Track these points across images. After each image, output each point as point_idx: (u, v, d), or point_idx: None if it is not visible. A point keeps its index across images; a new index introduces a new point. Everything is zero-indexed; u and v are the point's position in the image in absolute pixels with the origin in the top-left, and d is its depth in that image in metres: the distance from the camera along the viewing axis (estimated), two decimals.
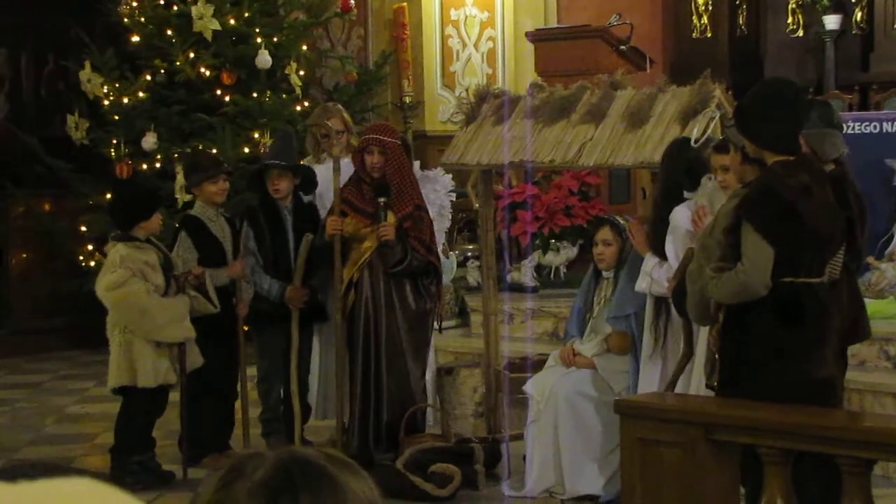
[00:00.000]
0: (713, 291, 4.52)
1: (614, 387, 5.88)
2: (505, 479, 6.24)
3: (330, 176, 6.51)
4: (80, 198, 10.04)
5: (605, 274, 6.14)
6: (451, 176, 7.23)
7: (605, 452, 5.84)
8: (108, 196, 8.80)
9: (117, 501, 1.24)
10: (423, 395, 6.58)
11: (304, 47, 10.23)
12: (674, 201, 5.40)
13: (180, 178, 8.66)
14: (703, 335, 5.10)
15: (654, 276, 5.47)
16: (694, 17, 12.89)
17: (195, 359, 6.35)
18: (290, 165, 6.70)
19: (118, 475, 6.17)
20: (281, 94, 9.75)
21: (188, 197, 7.63)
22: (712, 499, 4.23)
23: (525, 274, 8.64)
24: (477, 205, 7.57)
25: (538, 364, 6.41)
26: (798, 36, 12.26)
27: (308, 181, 6.83)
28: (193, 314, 6.30)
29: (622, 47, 8.88)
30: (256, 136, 9.32)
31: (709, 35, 12.84)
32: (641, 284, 5.55)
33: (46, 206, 10.62)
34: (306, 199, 6.86)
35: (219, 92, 9.54)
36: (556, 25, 10.78)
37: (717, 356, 4.76)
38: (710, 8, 12.80)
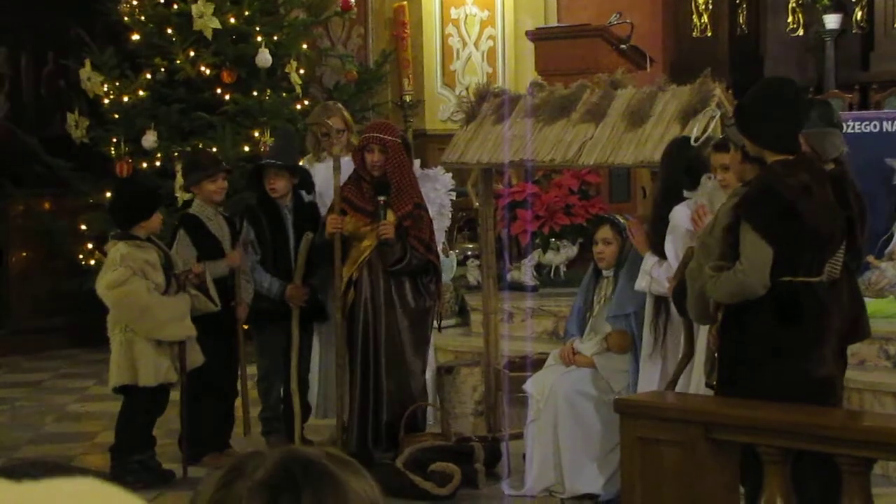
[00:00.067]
0: (712, 291, 4.52)
1: (614, 386, 5.88)
2: (505, 478, 6.24)
3: (330, 174, 6.52)
4: (80, 197, 10.04)
5: (605, 273, 6.14)
6: (451, 175, 7.23)
7: (604, 451, 5.84)
8: (109, 195, 8.81)
9: (121, 501, 1.24)
10: (423, 393, 6.58)
11: (305, 46, 10.22)
12: (673, 200, 5.40)
13: (180, 177, 8.66)
14: (703, 334, 5.10)
15: (653, 275, 5.47)
16: (694, 17, 12.90)
17: (196, 357, 6.35)
18: (285, 165, 6.69)
19: (118, 474, 6.17)
20: (281, 93, 9.75)
21: (188, 196, 7.63)
22: (712, 498, 4.23)
23: (525, 273, 8.64)
24: (477, 203, 7.57)
25: (538, 363, 6.41)
26: (798, 35, 12.26)
27: (304, 181, 6.83)
28: (194, 313, 6.30)
29: (622, 46, 8.88)
30: (256, 134, 9.31)
31: (709, 34, 12.84)
32: (641, 283, 5.55)
33: (46, 205, 10.62)
34: (307, 198, 6.86)
35: (219, 90, 9.54)
36: (556, 24, 10.78)
37: (716, 355, 4.77)
38: (711, 7, 12.81)
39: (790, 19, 12.30)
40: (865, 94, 11.64)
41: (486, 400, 6.65)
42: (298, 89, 9.74)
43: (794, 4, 12.23)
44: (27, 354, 10.19)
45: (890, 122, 7.91)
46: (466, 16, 11.70)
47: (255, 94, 9.56)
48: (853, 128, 7.72)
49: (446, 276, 7.80)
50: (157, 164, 9.45)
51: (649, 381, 5.61)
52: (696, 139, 5.43)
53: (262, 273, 6.74)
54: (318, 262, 6.60)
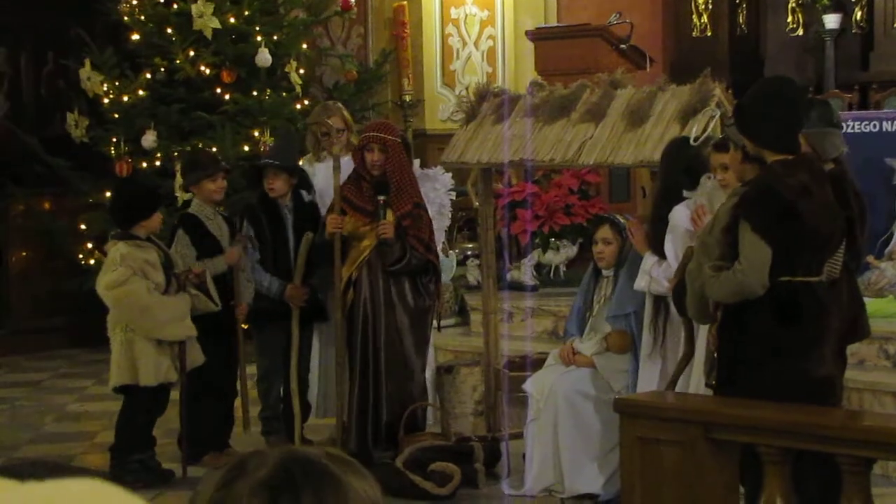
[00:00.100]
0: (711, 290, 4.52)
1: (614, 385, 5.88)
2: (504, 478, 6.24)
3: (330, 174, 6.52)
4: (80, 196, 10.04)
5: (604, 273, 6.14)
6: (450, 174, 7.22)
7: (604, 451, 5.84)
8: (109, 195, 8.80)
9: (125, 502, 1.24)
10: (423, 393, 6.59)
11: (304, 46, 10.22)
12: (673, 200, 5.40)
13: (180, 177, 8.66)
14: (702, 334, 5.11)
15: (653, 275, 5.47)
16: (694, 16, 12.90)
17: (196, 357, 6.36)
18: (283, 166, 6.69)
19: (118, 473, 6.17)
20: (281, 93, 9.75)
21: (188, 195, 7.63)
22: (712, 498, 4.23)
23: (525, 272, 8.64)
24: (477, 203, 7.57)
25: (538, 363, 6.41)
26: (798, 35, 12.26)
27: (303, 181, 6.83)
28: (194, 312, 6.30)
29: (622, 46, 8.88)
30: (256, 134, 9.32)
31: (709, 34, 12.84)
32: (640, 283, 5.55)
33: (46, 205, 10.62)
34: (307, 198, 6.86)
35: (219, 90, 9.54)
36: (556, 24, 10.78)
37: (715, 355, 4.77)
38: (710, 7, 12.81)
39: (790, 19, 12.30)
40: (865, 94, 11.65)
41: (486, 400, 6.65)
42: (298, 89, 9.74)
43: (793, 4, 12.24)
44: (27, 354, 10.19)
45: (890, 122, 7.91)
46: (466, 15, 11.71)
47: (254, 93, 9.56)
48: (853, 128, 7.72)
49: (446, 276, 7.80)
50: (157, 163, 9.45)
51: (649, 380, 5.61)
52: (696, 139, 5.43)
53: (262, 272, 6.74)
54: (318, 262, 6.60)
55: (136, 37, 9.77)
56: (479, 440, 6.35)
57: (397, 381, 6.43)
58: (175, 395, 6.49)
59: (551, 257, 8.78)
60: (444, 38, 11.66)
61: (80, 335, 9.98)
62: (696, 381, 5.20)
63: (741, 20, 12.73)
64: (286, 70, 9.73)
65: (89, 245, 9.73)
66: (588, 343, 6.05)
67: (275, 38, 9.73)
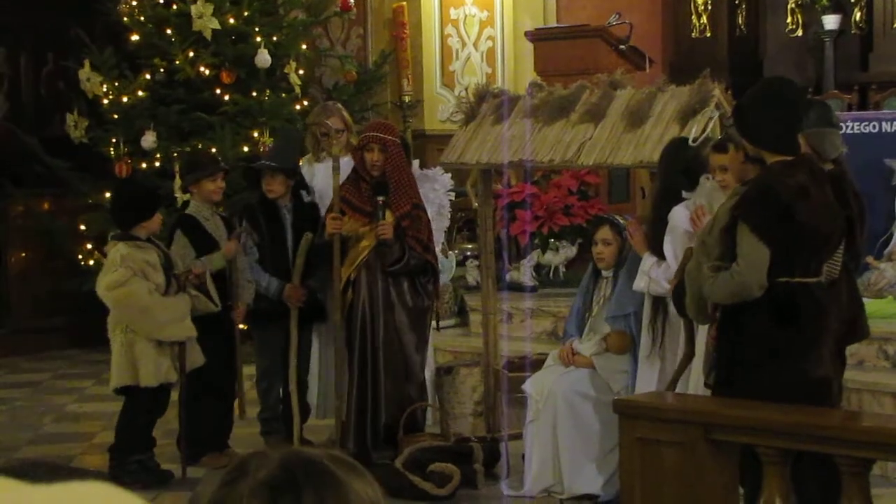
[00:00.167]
0: (709, 291, 4.52)
1: (613, 386, 5.88)
2: (504, 479, 6.24)
3: (329, 175, 6.52)
4: (80, 197, 10.04)
5: (604, 273, 6.14)
6: (450, 175, 7.23)
7: (604, 452, 5.84)
8: (108, 195, 8.80)
9: None
10: (422, 394, 6.59)
11: (304, 46, 10.23)
12: (672, 201, 5.40)
13: (179, 177, 8.66)
14: (702, 335, 5.11)
15: (652, 276, 5.47)
16: (693, 17, 12.91)
17: (196, 358, 6.36)
18: (279, 167, 6.69)
19: (117, 474, 6.17)
20: (280, 94, 9.75)
21: (187, 196, 7.63)
22: (711, 498, 4.23)
23: (524, 273, 8.64)
24: (476, 204, 7.58)
25: (537, 363, 6.42)
26: (797, 36, 12.27)
27: (301, 182, 6.83)
28: (194, 313, 6.30)
29: (621, 47, 8.89)
30: (256, 135, 9.32)
31: (708, 35, 12.85)
32: (639, 284, 5.55)
33: (46, 206, 10.62)
34: (307, 198, 6.86)
35: (218, 91, 9.54)
36: (555, 25, 10.79)
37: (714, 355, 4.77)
38: (710, 8, 12.81)
39: (789, 20, 12.31)
40: (864, 94, 11.65)
41: (486, 400, 6.65)
42: (298, 90, 9.74)
43: (793, 5, 12.24)
44: (26, 355, 10.19)
45: (889, 123, 7.92)
46: (466, 16, 11.71)
47: (254, 94, 9.56)
48: (852, 128, 7.72)
49: (445, 277, 7.80)
50: (157, 164, 9.45)
51: (648, 381, 5.61)
52: (695, 140, 5.43)
53: (261, 272, 6.75)
54: (318, 263, 6.60)
55: (135, 37, 9.77)
56: (478, 441, 6.35)
57: (396, 382, 6.43)
58: (174, 395, 6.49)
59: (550, 258, 8.79)
60: (443, 38, 11.66)
61: (80, 336, 9.98)
62: (695, 382, 5.20)
63: (740, 21, 12.74)
64: (285, 71, 9.73)
65: (89, 245, 9.73)
66: (587, 344, 6.05)
67: (274, 38, 9.73)
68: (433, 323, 6.99)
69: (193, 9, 9.33)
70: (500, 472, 6.32)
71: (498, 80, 11.45)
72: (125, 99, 9.67)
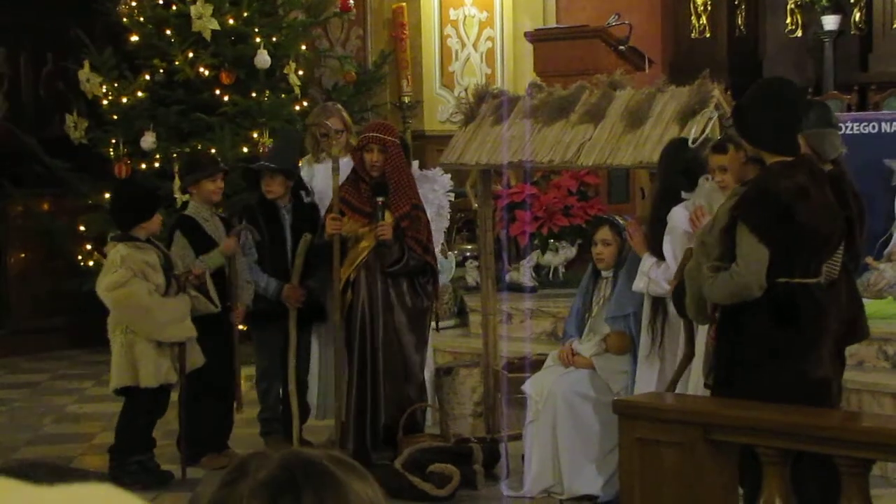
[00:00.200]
0: (709, 291, 4.52)
1: (613, 387, 5.88)
2: (503, 479, 6.24)
3: (329, 175, 6.52)
4: (79, 197, 10.04)
5: (604, 274, 6.15)
6: (449, 176, 7.23)
7: (603, 452, 5.84)
8: (108, 196, 8.80)
9: None
10: (422, 394, 6.58)
11: (303, 47, 10.23)
12: (671, 201, 5.40)
13: (178, 178, 8.65)
14: (702, 335, 5.11)
15: (651, 277, 5.48)
16: (693, 18, 12.90)
17: (196, 358, 6.36)
18: (276, 168, 6.69)
19: (117, 475, 6.17)
20: (280, 94, 9.75)
21: (186, 197, 7.63)
22: (711, 499, 4.23)
23: (524, 274, 8.64)
24: (476, 205, 7.58)
25: (537, 364, 6.42)
26: (797, 36, 12.26)
27: (300, 183, 6.83)
28: (194, 314, 6.30)
29: (621, 47, 8.88)
30: (255, 135, 9.32)
31: (708, 35, 12.84)
32: (639, 284, 5.56)
33: (45, 206, 10.62)
34: (307, 199, 6.86)
35: (217, 92, 9.54)
36: (554, 25, 10.78)
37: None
38: (709, 8, 12.81)
39: (789, 20, 12.31)
40: (864, 95, 11.64)
41: (485, 401, 6.65)
42: (297, 90, 9.74)
43: (792, 6, 12.24)
44: (26, 355, 10.19)
45: (888, 123, 7.92)
46: (465, 17, 11.70)
47: (253, 95, 9.56)
48: (852, 129, 7.72)
49: (445, 278, 7.80)
50: (156, 165, 9.45)
51: (647, 382, 5.61)
52: (695, 140, 5.43)
53: (259, 273, 6.75)
54: (318, 263, 6.60)
55: (135, 38, 9.77)
56: (478, 441, 6.35)
57: (395, 383, 6.43)
58: (174, 396, 6.49)
59: (550, 258, 8.79)
60: (442, 39, 11.66)
61: (80, 336, 9.99)
62: (695, 383, 5.20)
63: (740, 21, 12.73)
64: (285, 71, 9.73)
65: (88, 246, 9.73)
66: (587, 344, 6.05)
67: (274, 39, 9.73)
68: (433, 323, 6.99)
69: (193, 9, 9.33)
70: (499, 472, 6.32)
71: (497, 80, 11.44)
72: (125, 99, 9.67)
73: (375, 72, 10.93)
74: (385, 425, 6.40)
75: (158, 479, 6.34)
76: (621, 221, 6.12)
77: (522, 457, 6.14)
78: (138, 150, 9.43)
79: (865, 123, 7.95)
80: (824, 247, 4.52)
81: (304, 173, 6.98)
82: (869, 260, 7.16)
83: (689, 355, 5.23)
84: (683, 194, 5.39)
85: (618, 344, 5.92)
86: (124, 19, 9.76)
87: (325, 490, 1.33)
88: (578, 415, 5.92)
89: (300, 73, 9.84)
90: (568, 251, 8.75)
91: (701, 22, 12.87)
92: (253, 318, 6.83)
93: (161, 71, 9.61)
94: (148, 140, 9.33)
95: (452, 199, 7.28)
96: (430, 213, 6.67)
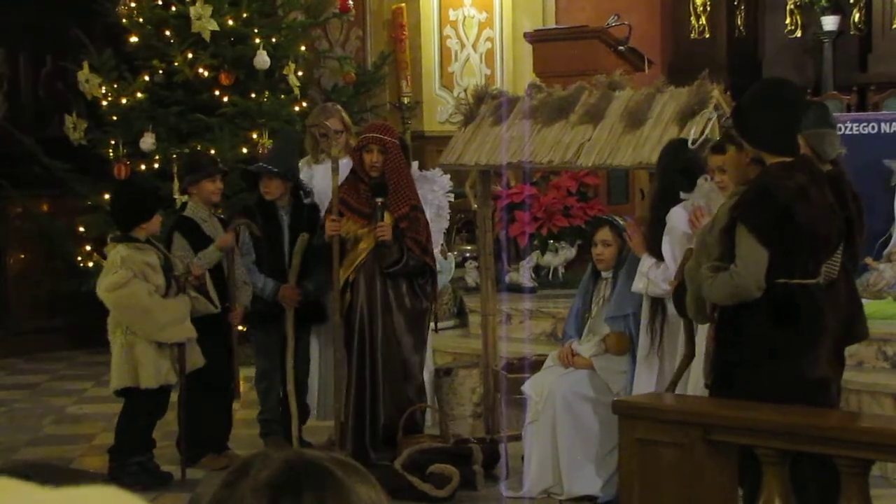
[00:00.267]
0: (708, 292, 4.52)
1: (612, 387, 5.88)
2: (503, 480, 6.24)
3: (328, 176, 6.52)
4: (79, 198, 10.03)
5: (603, 274, 6.15)
6: (449, 176, 7.23)
7: (603, 453, 5.84)
8: (107, 197, 8.80)
9: None
10: (421, 395, 6.58)
11: (303, 48, 10.23)
12: (670, 202, 5.40)
13: (178, 179, 8.65)
14: (702, 335, 5.11)
15: (650, 277, 5.48)
16: (692, 18, 12.89)
17: (196, 359, 6.36)
18: (274, 170, 6.68)
19: (116, 476, 6.17)
20: (279, 95, 9.74)
21: (185, 198, 7.63)
22: (710, 499, 4.23)
23: (523, 274, 8.64)
24: (475, 205, 7.57)
25: (536, 364, 6.42)
26: (796, 37, 12.25)
27: (298, 184, 6.84)
28: (194, 314, 6.31)
29: (620, 48, 8.89)
30: (255, 136, 9.31)
31: (707, 36, 12.83)
32: (638, 285, 5.56)
33: (44, 207, 10.62)
34: (307, 200, 6.86)
35: (217, 92, 9.53)
36: (554, 26, 10.78)
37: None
38: (709, 9, 12.80)
39: (788, 21, 12.30)
40: (863, 95, 11.63)
41: (485, 401, 6.65)
42: (297, 91, 9.74)
43: (792, 6, 12.23)
44: (26, 356, 10.19)
45: (888, 124, 7.92)
46: (465, 17, 11.70)
47: (253, 95, 9.56)
48: (851, 129, 7.72)
49: (445, 278, 7.80)
50: (156, 166, 9.45)
51: (646, 382, 5.61)
52: (694, 141, 5.43)
53: (257, 273, 6.75)
54: (316, 264, 6.61)
55: (134, 39, 9.76)
56: (477, 442, 6.35)
57: (395, 383, 6.43)
58: (174, 396, 6.49)
59: (550, 259, 8.79)
60: (442, 39, 11.66)
61: (79, 337, 9.98)
62: (694, 383, 5.20)
63: (739, 22, 12.72)
64: (284, 72, 9.73)
65: (88, 247, 9.73)
66: (587, 345, 6.05)
67: (273, 40, 9.73)
68: (432, 324, 6.99)
69: (192, 10, 9.33)
70: (499, 473, 6.33)
71: (497, 81, 11.43)
72: (124, 100, 9.66)
73: (375, 72, 10.93)
74: (384, 426, 6.40)
75: (158, 480, 6.34)
76: (621, 222, 6.12)
77: (522, 457, 6.14)
78: (138, 151, 9.42)
79: (865, 124, 7.95)
80: (823, 247, 4.52)
81: (303, 174, 6.98)
82: (868, 260, 7.16)
83: (690, 355, 5.23)
84: (682, 195, 5.39)
85: (617, 344, 5.92)
86: (123, 20, 9.75)
87: (327, 492, 1.33)
88: (578, 415, 5.92)
89: (299, 73, 9.84)
90: (567, 252, 8.75)
91: (700, 22, 12.86)
92: (252, 319, 6.83)
93: (160, 72, 9.60)
94: (147, 141, 9.33)
95: (452, 200, 7.28)
96: (429, 214, 6.67)
